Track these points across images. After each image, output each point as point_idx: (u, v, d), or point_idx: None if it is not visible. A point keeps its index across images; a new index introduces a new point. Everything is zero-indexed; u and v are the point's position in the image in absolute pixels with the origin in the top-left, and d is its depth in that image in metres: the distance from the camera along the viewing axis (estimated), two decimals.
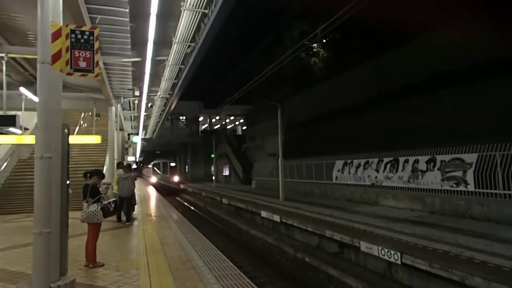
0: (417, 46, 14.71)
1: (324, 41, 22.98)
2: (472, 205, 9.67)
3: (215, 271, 5.54)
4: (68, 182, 4.61)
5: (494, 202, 9.12)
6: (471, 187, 9.73)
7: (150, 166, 45.01)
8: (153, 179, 38.85)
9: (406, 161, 12.33)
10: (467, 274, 5.37)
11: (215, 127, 53.80)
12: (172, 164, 40.71)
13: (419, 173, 11.60)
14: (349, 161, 15.71)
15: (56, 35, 4.25)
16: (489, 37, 11.34)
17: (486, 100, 11.89)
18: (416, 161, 11.87)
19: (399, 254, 6.72)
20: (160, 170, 39.62)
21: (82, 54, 4.48)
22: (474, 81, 12.01)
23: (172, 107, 23.50)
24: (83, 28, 4.51)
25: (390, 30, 14.29)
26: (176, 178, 38.17)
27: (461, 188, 10.03)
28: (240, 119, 51.42)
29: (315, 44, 23.18)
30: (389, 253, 6.98)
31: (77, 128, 21.98)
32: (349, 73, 19.30)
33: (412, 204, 11.72)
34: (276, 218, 12.58)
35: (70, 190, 9.97)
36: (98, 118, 17.86)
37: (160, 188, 32.77)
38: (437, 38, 13.67)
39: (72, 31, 4.44)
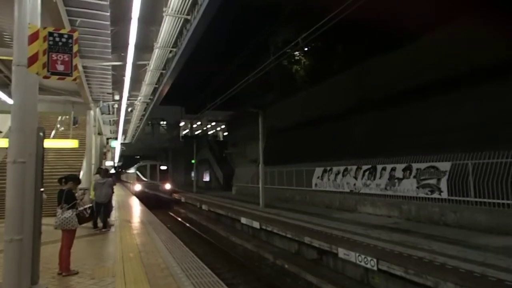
0: (396, 56, 15.10)
1: (306, 49, 23.31)
2: (445, 212, 9.96)
3: (193, 278, 5.49)
4: (42, 189, 4.50)
5: (466, 209, 9.42)
6: (444, 195, 10.03)
7: (132, 170, 33.38)
8: (137, 187, 26.93)
9: (384, 168, 12.60)
10: (440, 280, 5.52)
11: (197, 133, 53.45)
12: (163, 167, 28.61)
13: (396, 180, 11.87)
14: (328, 168, 15.91)
15: (33, 37, 4.17)
16: (463, 49, 11.75)
17: (461, 111, 12.31)
18: (393, 169, 12.14)
19: (375, 260, 6.85)
20: (146, 175, 27.58)
21: (60, 57, 4.41)
22: (450, 92, 12.42)
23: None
24: (62, 31, 4.45)
25: (372, 39, 14.62)
26: (168, 186, 27.37)
27: (436, 195, 10.32)
28: (222, 125, 51.34)
29: (297, 52, 23.48)
30: (366, 260, 7.10)
31: (53, 132, 21.42)
32: (330, 81, 19.63)
33: (389, 211, 11.96)
34: (256, 224, 12.58)
35: (44, 196, 9.70)
36: (76, 126, 17.43)
37: (147, 199, 23.94)
38: (414, 49, 14.10)
39: (50, 34, 4.38)
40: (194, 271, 5.96)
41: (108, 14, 8.31)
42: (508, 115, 10.28)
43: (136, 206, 18.98)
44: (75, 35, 4.52)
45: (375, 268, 6.84)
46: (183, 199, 26.81)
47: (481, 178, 9.19)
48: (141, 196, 24.46)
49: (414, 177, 11.15)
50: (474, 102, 11.79)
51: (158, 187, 26.49)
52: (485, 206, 8.98)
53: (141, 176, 27.24)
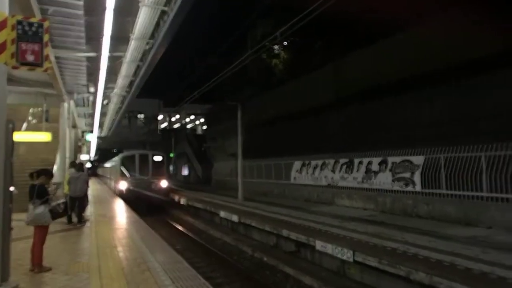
0: (373, 51, 15.35)
1: (285, 43, 23.37)
2: (418, 204, 10.29)
3: (170, 273, 5.46)
4: (12, 184, 4.34)
5: (438, 201, 9.76)
6: (418, 188, 10.34)
7: (115, 161, 24.10)
8: (122, 185, 19.73)
9: (361, 162, 12.86)
10: (412, 270, 5.71)
11: (175, 126, 52.82)
12: (157, 158, 21.04)
13: (372, 174, 12.14)
14: (307, 162, 16.09)
15: (1, 26, 4.01)
16: (439, 44, 12.05)
17: (435, 106, 12.66)
18: (370, 163, 12.40)
19: (351, 252, 7.00)
20: (134, 169, 20.38)
21: (30, 47, 4.25)
22: (424, 88, 12.75)
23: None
24: (31, 20, 4.29)
25: (348, 34, 14.77)
26: (164, 183, 20.51)
27: (410, 188, 10.62)
28: (201, 119, 50.95)
29: (276, 46, 23.51)
30: (342, 252, 7.25)
31: (25, 125, 20.68)
32: (309, 75, 19.77)
33: (365, 204, 12.24)
34: (235, 218, 12.60)
35: (15, 190, 9.39)
36: (47, 121, 16.82)
37: (136, 201, 17.75)
38: (389, 45, 14.36)
39: (19, 22, 4.21)
40: (172, 265, 5.93)
41: (82, 3, 8.07)
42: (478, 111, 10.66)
43: (113, 201, 18.64)
44: (46, 24, 4.36)
45: (351, 259, 7.00)
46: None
47: (452, 172, 9.52)
48: (127, 197, 18.25)
49: (390, 170, 11.43)
50: (445, 98, 12.17)
51: (151, 185, 19.68)
52: (455, 198, 9.32)
53: (126, 171, 20.10)
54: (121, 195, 19.06)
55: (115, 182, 22.15)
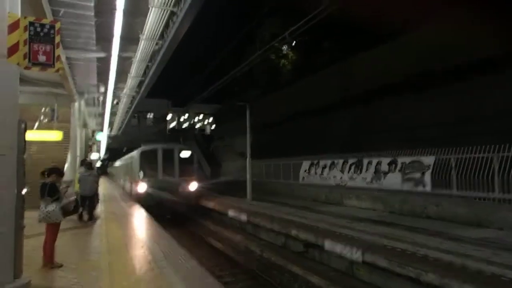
0: (380, 51, 15.26)
1: (293, 44, 23.34)
2: (428, 205, 10.17)
3: (181, 271, 5.50)
4: (24, 183, 4.42)
5: (448, 202, 9.64)
6: (428, 188, 10.23)
7: (132, 158, 19.25)
8: (141, 188, 15.76)
9: (370, 162, 12.77)
10: (421, 271, 5.66)
11: (184, 126, 53.02)
12: (184, 154, 16.96)
13: (382, 174, 12.04)
14: (315, 161, 16.03)
15: (13, 27, 4.07)
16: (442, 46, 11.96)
17: (441, 106, 12.55)
18: (379, 163, 12.31)
19: (360, 252, 6.96)
20: (157, 168, 16.20)
21: (42, 47, 4.32)
22: (430, 87, 12.65)
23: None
24: (43, 21, 4.36)
25: (356, 35, 14.73)
26: (193, 186, 16.35)
27: (420, 189, 10.52)
28: (209, 119, 51.08)
29: (284, 47, 23.49)
30: (351, 252, 7.22)
31: (36, 124, 20.99)
32: (317, 75, 19.71)
33: (374, 204, 12.15)
34: (243, 218, 12.62)
35: (28, 189, 9.53)
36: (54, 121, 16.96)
37: (158, 209, 14.48)
38: (397, 45, 14.28)
39: (31, 24, 4.28)
40: (182, 263, 5.97)
41: (92, 4, 8.15)
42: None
43: (123, 201, 18.80)
44: (57, 25, 4.43)
45: (360, 260, 6.96)
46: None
47: (463, 172, 9.41)
48: (147, 203, 14.53)
49: (399, 171, 11.33)
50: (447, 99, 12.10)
51: (177, 188, 15.56)
52: (466, 199, 9.20)
53: (145, 170, 15.93)
54: (139, 199, 15.28)
55: (131, 183, 18.03)
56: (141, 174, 15.85)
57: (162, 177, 15.75)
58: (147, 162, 15.97)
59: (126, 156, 23.88)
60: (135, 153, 17.68)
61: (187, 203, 15.61)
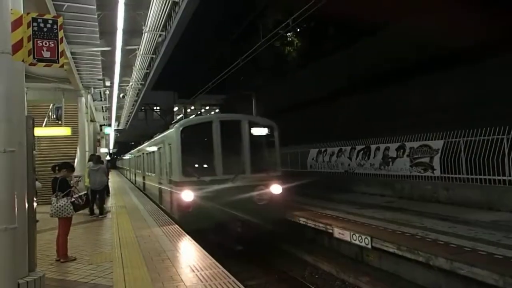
0: (386, 36, 15.02)
1: (298, 30, 23.08)
2: (437, 190, 10.10)
3: (191, 262, 5.57)
4: (35, 176, 4.48)
5: (458, 186, 9.56)
6: (437, 172, 10.15)
7: (165, 140, 10.23)
8: (186, 196, 8.31)
9: (378, 148, 12.68)
10: (431, 255, 5.65)
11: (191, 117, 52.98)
12: (260, 131, 9.38)
13: (390, 160, 11.96)
14: (323, 149, 15.97)
15: (17, 23, 4.07)
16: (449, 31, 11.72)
17: (452, 89, 12.35)
18: (387, 149, 12.22)
19: (369, 238, 6.97)
20: (213, 160, 8.73)
21: (46, 43, 4.32)
22: (439, 71, 12.45)
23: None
24: (46, 17, 4.34)
25: (361, 20, 14.51)
26: (277, 189, 9.11)
27: (428, 173, 10.44)
28: (216, 109, 51.04)
29: (289, 34, 23.25)
30: (360, 238, 7.23)
31: (45, 120, 21.22)
32: (323, 62, 19.51)
33: (383, 190, 12.10)
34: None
35: (39, 184, 9.69)
36: (58, 121, 17.07)
37: (222, 234, 8.23)
38: (404, 29, 14.03)
39: (34, 20, 4.27)
40: (192, 254, 6.04)
41: None
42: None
43: (132, 192, 19.01)
44: (60, 20, 4.41)
45: (369, 246, 6.97)
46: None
47: (472, 155, 9.29)
48: (199, 225, 8.07)
49: (408, 156, 11.24)
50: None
51: (253, 196, 8.94)
52: (476, 183, 9.11)
53: (186, 164, 8.79)
54: (183, 218, 8.64)
55: (163, 190, 11.02)
56: (181, 171, 8.66)
57: (223, 176, 8.72)
58: (193, 148, 8.98)
59: (152, 141, 13.63)
60: (171, 133, 9.72)
61: (273, 220, 8.65)
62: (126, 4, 8.86)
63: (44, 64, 4.32)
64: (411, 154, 11.12)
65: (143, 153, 16.39)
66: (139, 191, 17.23)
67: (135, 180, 21.87)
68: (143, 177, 16.56)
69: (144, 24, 10.92)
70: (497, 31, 10.40)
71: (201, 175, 8.59)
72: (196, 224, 8.00)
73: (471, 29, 10.67)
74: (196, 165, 8.94)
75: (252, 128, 9.24)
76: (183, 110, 49.86)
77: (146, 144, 15.90)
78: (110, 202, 13.48)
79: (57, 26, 4.38)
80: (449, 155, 9.86)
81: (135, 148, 22.69)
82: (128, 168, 30.75)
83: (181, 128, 8.91)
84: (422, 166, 10.65)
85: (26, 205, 4.07)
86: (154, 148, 12.42)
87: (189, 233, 7.57)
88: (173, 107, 47.84)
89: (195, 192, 8.37)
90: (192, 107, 50.70)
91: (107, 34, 11.16)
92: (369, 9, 13.37)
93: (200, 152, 9.12)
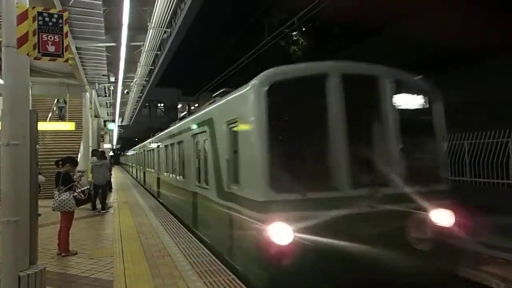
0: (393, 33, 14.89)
1: (304, 29, 23.02)
2: None
3: (190, 258, 5.58)
4: (38, 169, 4.50)
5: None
6: None
7: (221, 107, 5.80)
8: (280, 234, 3.84)
9: None
10: None
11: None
12: (415, 100, 4.74)
13: None
14: None
15: (22, 17, 4.08)
16: None
17: None
18: None
19: None
20: (328, 152, 4.19)
21: (51, 38, 4.32)
22: None
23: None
24: (51, 11, 4.35)
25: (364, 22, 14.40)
26: (449, 217, 4.31)
27: None
28: None
29: (294, 32, 23.18)
30: None
31: (50, 115, 21.34)
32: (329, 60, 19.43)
33: None
34: None
35: (43, 178, 9.72)
36: (63, 119, 17.03)
37: None
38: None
39: (40, 14, 4.28)
40: (192, 251, 6.05)
41: None
42: None
43: (135, 187, 19.07)
44: (65, 15, 4.42)
45: None
46: None
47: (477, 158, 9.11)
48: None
49: None
50: None
51: (406, 225, 4.29)
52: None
53: (278, 166, 4.11)
54: (275, 281, 4.02)
55: (212, 208, 6.01)
56: (267, 180, 4.10)
57: (350, 190, 4.27)
58: (289, 133, 4.45)
59: (193, 118, 8.08)
60: (230, 102, 5.44)
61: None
62: (131, 0, 8.88)
63: (49, 58, 4.33)
64: None
65: (158, 146, 12.75)
66: (149, 193, 15.15)
67: (145, 181, 18.63)
68: (158, 180, 13.01)
69: (150, 21, 10.94)
70: None
71: (306, 188, 4.09)
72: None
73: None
74: (296, 168, 4.28)
75: (401, 95, 4.70)
76: (187, 107, 50.02)
77: (164, 133, 12.13)
78: (112, 198, 13.53)
79: (63, 21, 4.39)
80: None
81: (145, 140, 18.90)
82: (132, 165, 28.25)
83: (266, 88, 4.26)
84: None
85: (29, 198, 4.10)
86: (183, 137, 8.52)
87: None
88: (177, 104, 47.95)
89: (296, 224, 3.93)
90: (196, 105, 50.82)
91: (112, 29, 11.18)
92: (375, 9, 13.24)
93: (303, 141, 4.46)
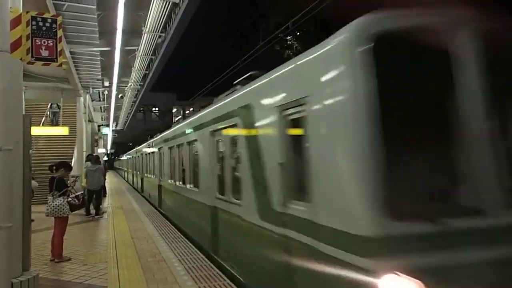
0: None
1: (298, 33, 23.13)
2: None
3: (185, 263, 5.55)
4: (32, 174, 4.47)
5: None
6: None
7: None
8: None
9: None
10: None
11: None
12: None
13: None
14: None
15: (16, 22, 4.07)
16: None
17: None
18: None
19: None
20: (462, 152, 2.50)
21: (44, 42, 4.32)
22: None
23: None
24: (45, 15, 4.34)
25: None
26: None
27: None
28: None
29: (289, 37, 23.28)
30: None
31: (43, 119, 21.20)
32: None
33: None
34: None
35: (36, 183, 9.63)
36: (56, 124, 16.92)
37: None
38: None
39: (33, 18, 4.27)
40: (187, 256, 6.02)
41: None
42: None
43: (130, 192, 18.96)
44: (59, 19, 4.42)
45: None
46: None
47: None
48: None
49: None
50: None
51: None
52: None
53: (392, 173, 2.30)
54: None
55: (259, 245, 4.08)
56: (377, 200, 2.30)
57: (499, 215, 2.43)
58: (410, 122, 2.52)
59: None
60: (310, 64, 3.18)
61: None
62: (126, 5, 8.89)
63: (42, 62, 4.32)
64: None
65: (160, 148, 11.27)
66: (149, 200, 14.01)
67: (142, 187, 16.83)
68: (159, 188, 11.48)
69: (144, 25, 10.95)
70: None
71: (442, 211, 2.42)
72: None
73: None
74: (422, 178, 2.70)
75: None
76: (181, 112, 49.95)
77: (168, 132, 10.70)
78: (106, 203, 13.43)
79: (56, 25, 4.39)
80: None
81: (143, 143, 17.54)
82: (127, 170, 25.93)
83: (371, 43, 2.46)
84: None
85: (22, 204, 4.06)
86: (196, 135, 6.99)
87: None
88: (172, 109, 47.84)
89: (428, 277, 2.18)
90: (191, 109, 50.74)
91: (106, 34, 11.18)
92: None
93: (432, 136, 2.64)
